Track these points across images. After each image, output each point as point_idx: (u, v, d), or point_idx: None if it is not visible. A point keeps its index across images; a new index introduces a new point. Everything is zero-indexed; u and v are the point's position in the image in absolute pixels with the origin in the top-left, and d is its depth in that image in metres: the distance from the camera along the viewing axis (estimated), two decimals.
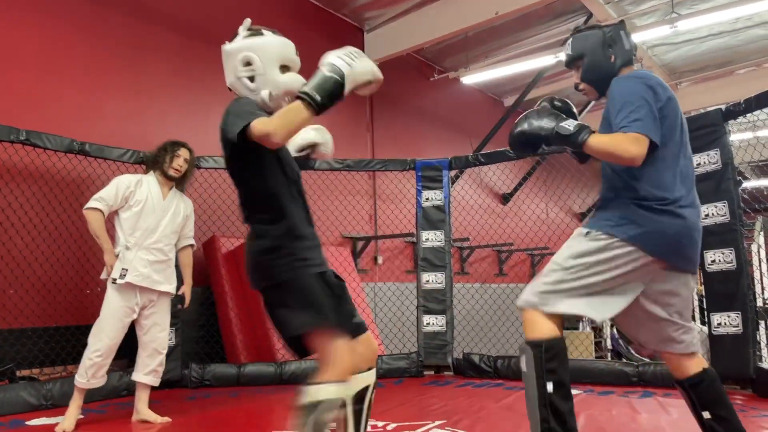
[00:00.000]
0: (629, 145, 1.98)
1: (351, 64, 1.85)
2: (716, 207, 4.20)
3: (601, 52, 2.26)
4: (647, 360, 6.27)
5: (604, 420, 3.34)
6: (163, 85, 5.69)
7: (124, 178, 3.65)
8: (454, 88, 9.29)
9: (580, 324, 9.71)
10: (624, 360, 7.83)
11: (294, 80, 2.05)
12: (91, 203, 3.49)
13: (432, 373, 5.30)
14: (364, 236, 7.46)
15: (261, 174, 2.00)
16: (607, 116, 2.15)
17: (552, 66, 8.43)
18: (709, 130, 4.29)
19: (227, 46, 2.10)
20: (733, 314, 4.08)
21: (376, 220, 7.82)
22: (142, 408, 3.55)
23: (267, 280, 1.97)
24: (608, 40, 2.25)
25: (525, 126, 2.18)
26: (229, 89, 2.15)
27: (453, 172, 6.28)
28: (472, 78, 8.85)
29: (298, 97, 1.83)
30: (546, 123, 2.14)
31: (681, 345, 2.12)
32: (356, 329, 2.14)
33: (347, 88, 1.85)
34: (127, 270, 3.44)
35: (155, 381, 3.61)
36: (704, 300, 4.40)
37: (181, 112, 5.78)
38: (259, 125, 1.81)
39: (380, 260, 7.82)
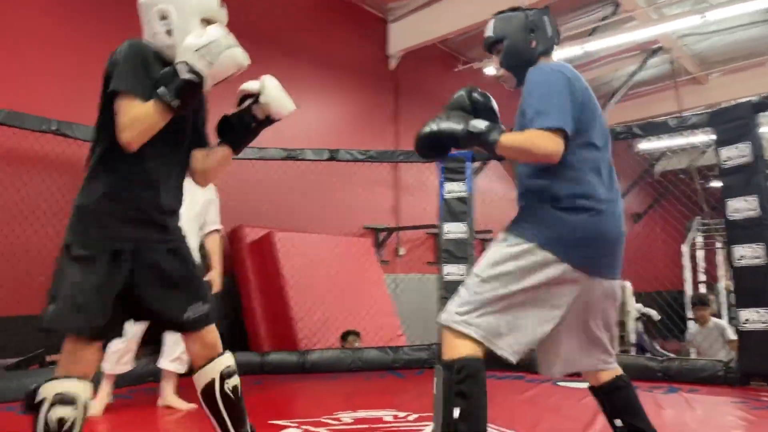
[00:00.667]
0: (544, 141, 1.82)
1: (212, 63, 1.76)
2: (746, 201, 4.12)
3: (523, 36, 2.08)
4: (672, 355, 6.17)
5: None
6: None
7: None
8: (479, 78, 9.22)
9: None
10: (648, 355, 7.73)
11: (213, 32, 1.81)
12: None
13: None
14: (386, 227, 7.47)
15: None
16: (523, 107, 1.98)
17: (578, 56, 8.32)
18: (739, 122, 4.20)
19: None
20: (762, 310, 4.01)
21: (399, 211, 7.82)
22: (167, 394, 3.62)
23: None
24: (530, 25, 2.08)
25: (433, 127, 1.95)
26: None
27: (476, 165, 6.25)
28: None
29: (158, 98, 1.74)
30: (455, 124, 1.93)
31: (604, 364, 2.01)
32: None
33: (207, 86, 1.81)
34: None
35: (181, 368, 3.66)
36: (733, 296, 4.34)
37: (213, 101, 5.82)
38: (122, 118, 1.76)
39: (402, 251, 7.83)
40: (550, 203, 1.89)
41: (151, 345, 4.33)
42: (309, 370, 4.92)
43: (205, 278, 3.76)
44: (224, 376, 1.95)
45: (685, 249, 7.95)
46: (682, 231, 8.34)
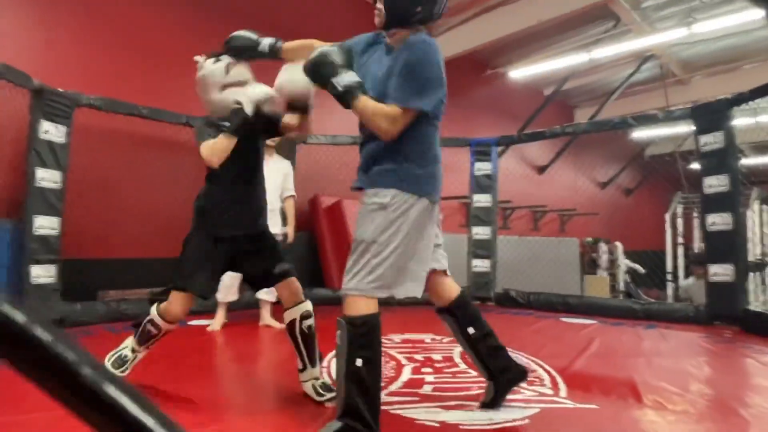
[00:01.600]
0: (389, 124, 1.60)
1: (247, 94, 1.95)
2: (718, 179, 3.97)
3: None
4: (653, 300, 6.06)
5: (615, 343, 3.31)
6: (259, 70, 5.81)
7: None
8: (502, 81, 9.00)
9: (599, 270, 9.44)
10: (633, 299, 7.59)
11: (227, 98, 1.99)
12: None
13: (478, 303, 5.34)
14: None
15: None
16: (395, 69, 1.64)
17: (585, 62, 8.03)
18: (716, 115, 4.02)
19: (198, 74, 2.12)
20: (727, 266, 3.90)
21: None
22: (265, 316, 3.77)
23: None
24: None
25: (321, 58, 1.66)
26: None
27: (500, 148, 6.17)
28: (517, 73, 8.56)
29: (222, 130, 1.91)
30: (329, 70, 1.64)
31: (439, 264, 1.95)
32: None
33: (250, 110, 1.94)
34: None
35: (272, 298, 3.76)
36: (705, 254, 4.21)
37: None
38: (203, 150, 1.92)
39: (440, 216, 7.83)
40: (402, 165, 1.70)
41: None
42: None
43: (284, 231, 3.83)
44: (303, 317, 2.11)
45: (667, 217, 7.68)
46: (666, 203, 8.06)
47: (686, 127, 7.12)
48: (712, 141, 4.01)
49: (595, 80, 9.94)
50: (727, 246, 3.90)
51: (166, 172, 4.62)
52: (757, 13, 6.00)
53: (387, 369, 2.53)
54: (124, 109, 4.04)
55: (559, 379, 2.38)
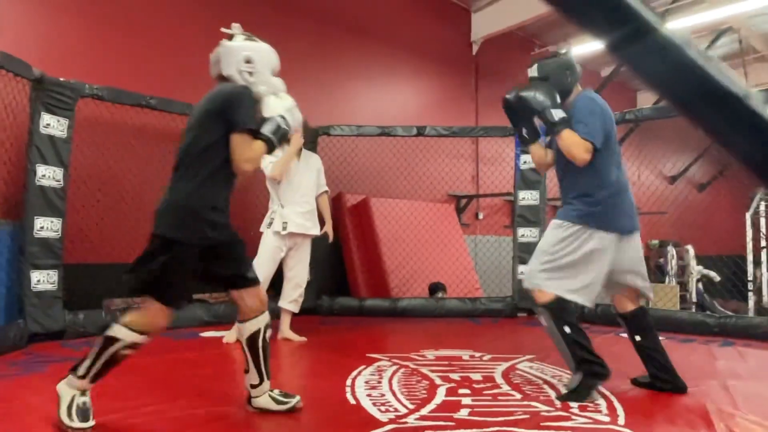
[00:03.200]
0: (583, 152, 2.37)
1: (295, 120, 2.24)
2: None
3: (562, 74, 2.58)
4: (730, 313, 5.87)
5: (684, 363, 3.21)
6: (300, 65, 5.89)
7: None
8: None
9: (666, 278, 9.21)
10: (707, 312, 7.38)
11: (281, 84, 2.28)
12: (269, 168, 3.68)
13: (525, 315, 5.28)
14: (467, 194, 7.44)
15: (217, 148, 2.08)
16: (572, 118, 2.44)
17: None
18: None
19: (230, 44, 2.23)
20: None
21: (478, 180, 7.75)
22: (284, 329, 3.83)
23: (165, 229, 2.06)
24: (566, 65, 2.60)
25: (520, 93, 2.48)
26: (217, 77, 2.25)
27: (549, 138, 6.08)
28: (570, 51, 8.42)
29: (263, 139, 2.10)
30: (546, 100, 2.43)
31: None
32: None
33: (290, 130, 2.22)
34: (287, 222, 3.69)
35: (296, 308, 3.87)
36: None
37: (314, 87, 5.97)
38: (247, 153, 2.07)
39: (481, 216, 7.78)
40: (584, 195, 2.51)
41: (272, 290, 4.61)
42: (399, 315, 5.04)
43: (322, 231, 3.91)
44: (265, 328, 2.22)
45: (748, 216, 7.44)
46: (746, 200, 7.80)
47: None
48: None
49: None
50: None
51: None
52: None
53: (418, 389, 2.54)
54: (131, 100, 4.16)
55: (617, 405, 2.34)
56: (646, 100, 10.90)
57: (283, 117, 2.17)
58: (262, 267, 3.65)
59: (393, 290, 5.42)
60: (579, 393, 2.37)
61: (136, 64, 4.66)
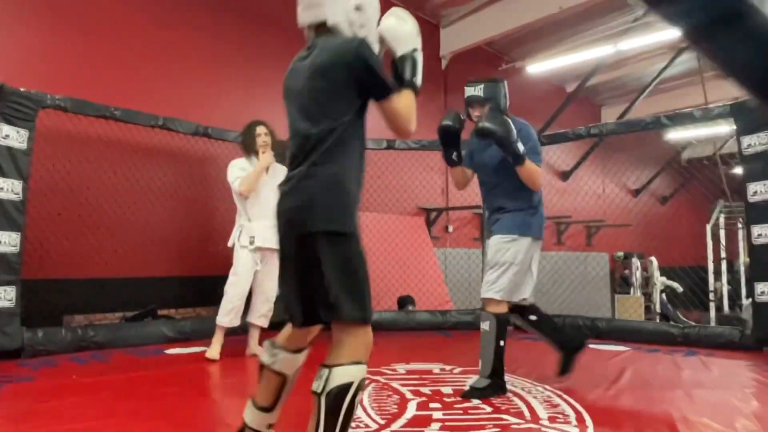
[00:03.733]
0: (541, 179, 2.80)
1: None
2: (765, 185, 3.95)
3: (503, 99, 2.94)
4: (693, 323, 6.02)
5: (650, 373, 3.28)
6: (272, 78, 5.84)
7: (239, 161, 3.75)
8: (521, 76, 9.05)
9: (632, 289, 9.41)
10: (671, 322, 7.56)
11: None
12: (237, 182, 3.61)
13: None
14: (437, 207, 7.48)
15: (354, 120, 1.75)
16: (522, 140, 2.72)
17: (611, 55, 8.06)
18: (760, 113, 3.99)
19: None
20: None
21: (448, 193, 7.81)
22: (253, 344, 3.73)
23: (330, 223, 1.62)
24: (504, 90, 2.94)
25: (495, 126, 2.66)
26: (313, 25, 1.81)
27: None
28: (536, 67, 8.61)
29: (407, 86, 1.77)
30: (511, 135, 2.64)
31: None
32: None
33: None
34: (254, 237, 3.62)
35: (265, 323, 3.77)
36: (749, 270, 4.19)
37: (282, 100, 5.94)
38: (405, 110, 1.73)
39: (451, 229, 7.83)
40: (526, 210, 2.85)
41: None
42: (373, 329, 4.99)
43: None
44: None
45: (708, 229, 7.66)
46: (706, 213, 8.04)
47: (727, 127, 7.12)
48: (756, 142, 4.00)
49: (623, 75, 9.97)
50: None
51: (141, 180, 4.64)
52: None
53: (389, 404, 2.52)
54: (94, 111, 4.06)
55: (585, 416, 2.36)
56: (611, 114, 11.19)
57: (416, 49, 1.81)
58: (241, 283, 3.61)
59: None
60: (483, 393, 2.65)
61: (101, 75, 4.57)
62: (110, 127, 4.35)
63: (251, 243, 3.63)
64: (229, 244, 3.74)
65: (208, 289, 3.79)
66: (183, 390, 2.84)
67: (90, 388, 2.78)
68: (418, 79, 1.79)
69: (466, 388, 2.75)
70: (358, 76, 1.66)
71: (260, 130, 3.77)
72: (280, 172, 3.92)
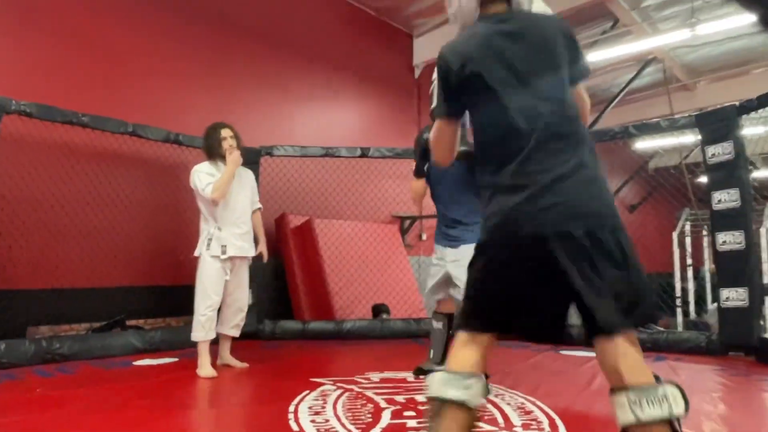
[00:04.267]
0: None
1: None
2: (728, 193, 4.06)
3: None
4: (661, 329, 6.13)
5: None
6: (242, 85, 5.83)
7: (203, 166, 3.57)
8: None
9: None
10: (640, 328, 7.68)
11: None
12: (209, 189, 3.43)
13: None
14: (411, 215, 7.49)
15: None
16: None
17: None
18: (723, 124, 4.14)
19: None
20: (740, 289, 3.97)
21: (422, 201, 7.83)
22: (225, 354, 3.67)
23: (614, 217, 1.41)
24: None
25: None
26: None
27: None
28: None
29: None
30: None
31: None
32: None
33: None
34: (226, 246, 3.47)
35: (237, 333, 3.69)
36: (715, 277, 4.30)
37: (257, 107, 5.92)
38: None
39: (424, 237, 7.85)
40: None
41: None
42: (344, 337, 4.98)
43: (257, 251, 3.71)
44: None
45: (675, 236, 7.83)
46: (673, 220, 8.22)
47: (692, 137, 7.31)
48: (720, 152, 4.12)
49: (592, 86, 10.17)
50: (740, 267, 3.99)
51: (109, 188, 4.54)
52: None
53: (363, 413, 2.50)
54: (61, 117, 3.97)
55: (558, 422, 2.37)
56: None
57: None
58: (211, 295, 3.44)
59: (337, 312, 5.36)
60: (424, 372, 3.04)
61: (69, 81, 4.47)
62: (77, 134, 4.26)
63: (223, 253, 3.48)
64: (196, 253, 3.56)
65: (179, 299, 3.72)
66: (153, 402, 2.77)
67: (55, 402, 2.70)
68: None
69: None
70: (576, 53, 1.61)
71: (225, 132, 3.60)
72: (245, 174, 3.76)
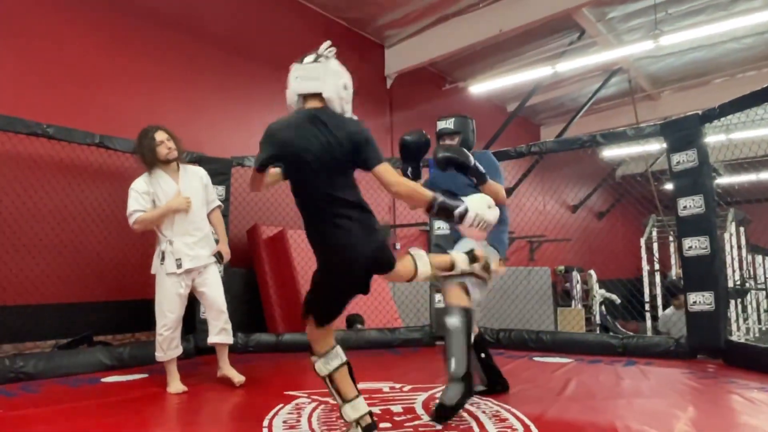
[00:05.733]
0: (503, 192, 2.91)
1: (483, 215, 2.25)
2: (693, 200, 4.16)
3: (471, 134, 3.09)
4: (631, 334, 6.24)
5: (593, 384, 3.36)
6: (211, 96, 5.77)
7: (139, 184, 3.37)
8: (463, 95, 9.26)
9: (572, 301, 9.68)
10: (611, 333, 7.81)
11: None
12: (133, 218, 3.29)
13: (443, 343, 5.32)
14: (384, 225, 7.50)
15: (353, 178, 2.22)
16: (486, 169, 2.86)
17: (549, 76, 8.37)
18: (687, 132, 4.24)
19: (333, 65, 2.24)
20: (707, 294, 4.06)
21: (395, 210, 7.85)
22: (223, 366, 3.51)
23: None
24: (473, 127, 3.10)
25: (452, 153, 2.74)
26: (304, 95, 2.27)
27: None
28: (478, 87, 8.82)
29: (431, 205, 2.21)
30: (467, 159, 2.74)
31: None
32: None
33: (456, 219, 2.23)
34: (180, 259, 3.30)
35: (228, 338, 3.51)
36: (682, 281, 4.39)
37: (226, 117, 5.86)
38: (392, 178, 2.13)
39: (398, 246, 7.86)
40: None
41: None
42: None
43: (217, 249, 3.53)
44: None
45: (642, 242, 8.00)
46: (640, 227, 8.40)
47: (658, 146, 7.49)
48: (685, 159, 4.23)
49: (561, 95, 10.37)
50: (706, 272, 4.08)
51: (74, 202, 4.43)
52: (724, 25, 6.45)
53: (339, 426, 2.47)
54: (25, 128, 3.85)
55: (533, 428, 2.38)
56: (550, 133, 11.59)
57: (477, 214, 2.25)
58: (167, 314, 3.29)
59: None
60: (455, 409, 2.51)
61: (34, 92, 4.36)
62: (42, 146, 4.15)
63: (179, 267, 3.30)
64: (153, 271, 3.39)
65: (147, 313, 3.59)
66: (122, 420, 2.69)
67: (19, 423, 2.60)
68: (444, 204, 2.25)
69: (433, 405, 2.63)
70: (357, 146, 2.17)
71: (160, 136, 3.36)
72: (191, 174, 3.56)
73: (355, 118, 2.25)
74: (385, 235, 2.22)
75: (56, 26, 4.62)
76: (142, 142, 3.38)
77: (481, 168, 2.78)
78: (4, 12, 4.31)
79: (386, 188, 2.10)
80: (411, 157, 2.86)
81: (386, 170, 2.10)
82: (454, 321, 2.62)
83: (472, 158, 2.75)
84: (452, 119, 3.07)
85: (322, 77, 2.17)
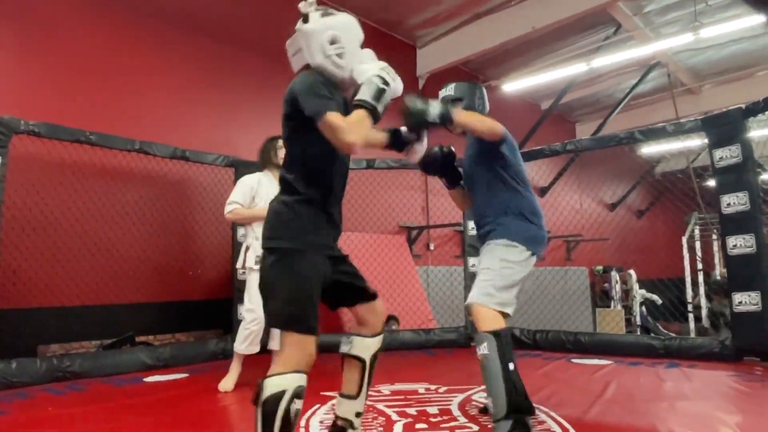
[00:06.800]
0: (487, 121, 2.39)
1: (394, 80, 1.83)
2: (737, 197, 4.03)
3: (476, 100, 2.65)
4: (673, 335, 6.08)
5: (634, 386, 3.29)
6: (245, 101, 5.86)
7: (247, 180, 3.55)
8: (496, 94, 9.18)
9: (612, 302, 9.48)
10: (652, 335, 7.63)
11: (374, 58, 1.92)
12: (229, 207, 3.46)
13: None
14: (418, 226, 7.49)
15: (311, 142, 1.79)
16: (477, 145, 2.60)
17: (584, 72, 8.22)
18: (730, 126, 4.11)
19: (308, 26, 1.83)
20: (753, 293, 3.92)
21: (429, 211, 7.83)
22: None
23: (275, 239, 1.80)
24: (479, 92, 2.67)
25: (417, 105, 2.17)
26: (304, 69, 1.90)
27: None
28: (512, 85, 8.73)
29: (361, 107, 1.73)
30: (422, 104, 2.17)
31: None
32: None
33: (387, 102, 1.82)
34: (259, 256, 3.45)
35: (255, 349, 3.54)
36: (727, 281, 4.25)
37: (260, 121, 5.93)
38: (339, 123, 1.66)
39: (432, 247, 7.84)
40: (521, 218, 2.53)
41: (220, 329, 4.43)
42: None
43: None
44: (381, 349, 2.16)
45: (684, 241, 7.78)
46: (682, 225, 8.17)
47: (699, 141, 7.28)
48: (728, 155, 4.10)
49: (596, 92, 10.18)
50: (752, 271, 3.95)
51: (116, 206, 4.57)
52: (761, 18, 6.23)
53: (375, 426, 2.48)
54: (69, 136, 4.00)
55: (572, 431, 2.35)
56: (586, 130, 11.39)
57: (378, 75, 1.79)
58: (255, 309, 3.34)
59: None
60: None
61: (76, 100, 4.51)
62: (86, 152, 4.30)
63: (256, 264, 3.38)
64: (238, 266, 3.58)
65: (187, 315, 3.70)
66: (163, 419, 2.77)
67: (67, 420, 2.70)
68: (372, 99, 1.76)
69: (469, 407, 2.59)
70: (293, 105, 1.82)
71: (281, 143, 3.63)
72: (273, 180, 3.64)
73: (369, 53, 1.91)
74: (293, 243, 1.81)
75: (97, 39, 4.77)
76: (268, 146, 3.63)
77: (437, 109, 2.18)
78: (45, 25, 4.48)
79: (336, 143, 1.69)
80: (439, 172, 2.66)
81: (333, 119, 1.66)
82: (483, 351, 2.21)
83: (433, 103, 2.19)
84: (453, 85, 2.66)
85: (305, 45, 1.84)
